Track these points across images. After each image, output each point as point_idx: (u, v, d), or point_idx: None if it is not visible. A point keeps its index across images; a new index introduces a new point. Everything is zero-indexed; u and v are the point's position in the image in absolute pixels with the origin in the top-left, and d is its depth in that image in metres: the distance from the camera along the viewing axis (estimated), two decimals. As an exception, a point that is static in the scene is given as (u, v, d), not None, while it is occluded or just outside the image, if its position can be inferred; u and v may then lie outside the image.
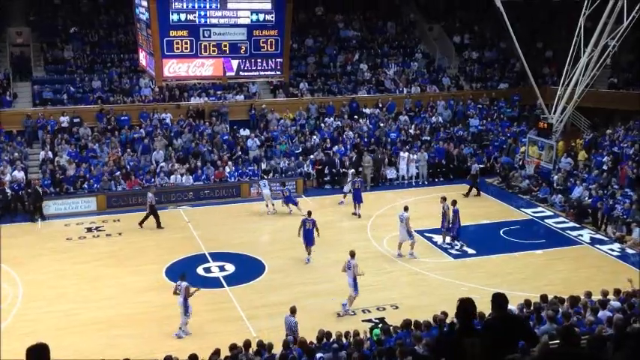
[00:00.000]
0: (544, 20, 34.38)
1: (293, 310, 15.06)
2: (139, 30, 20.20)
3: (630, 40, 27.37)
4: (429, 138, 31.11)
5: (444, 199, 22.11)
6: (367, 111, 32.36)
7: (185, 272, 17.26)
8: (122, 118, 29.29)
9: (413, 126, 31.83)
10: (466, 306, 5.89)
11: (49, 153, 26.96)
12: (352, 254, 17.60)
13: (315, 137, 30.33)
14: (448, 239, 22.09)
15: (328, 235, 22.00)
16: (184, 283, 16.28)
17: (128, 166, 27.18)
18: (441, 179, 29.81)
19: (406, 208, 21.22)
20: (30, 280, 19.42)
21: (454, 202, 21.94)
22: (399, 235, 21.07)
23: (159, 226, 23.74)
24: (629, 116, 31.34)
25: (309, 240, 20.77)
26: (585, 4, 25.02)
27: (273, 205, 25.42)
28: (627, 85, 32.55)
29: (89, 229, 23.76)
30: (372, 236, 23.05)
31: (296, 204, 25.07)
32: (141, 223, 23.77)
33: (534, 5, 27.87)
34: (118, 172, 26.57)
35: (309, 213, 21.32)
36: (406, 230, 20.82)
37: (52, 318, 17.09)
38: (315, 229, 20.75)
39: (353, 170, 27.07)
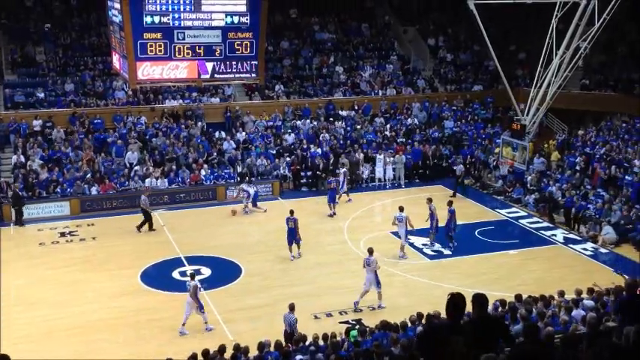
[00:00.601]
0: (517, 23, 34.73)
1: (292, 308, 15.22)
2: (112, 32, 20.03)
3: (602, 41, 27.75)
4: (404, 140, 31.24)
5: (430, 200, 22.23)
6: (343, 113, 32.44)
7: (193, 272, 17.51)
8: (96, 121, 28.99)
9: (389, 128, 31.96)
10: (457, 301, 5.70)
11: (22, 157, 26.61)
12: (370, 251, 17.97)
13: (290, 135, 30.33)
14: (430, 240, 22.24)
15: (305, 237, 21.97)
16: (193, 283, 16.44)
17: (102, 168, 26.91)
18: (417, 181, 29.95)
19: (401, 209, 21.30)
20: (3, 286, 19.11)
21: (450, 203, 22.43)
22: (401, 237, 21.14)
23: (139, 228, 23.50)
24: (600, 117, 31.81)
25: (291, 238, 21.03)
26: (557, 6, 25.32)
27: (247, 206, 25.65)
28: (599, 87, 33.03)
29: (62, 234, 23.48)
30: (348, 238, 23.08)
31: (255, 204, 25.64)
32: (150, 228, 23.56)
33: (507, 8, 28.10)
34: (90, 175, 26.29)
35: (292, 212, 21.40)
36: (405, 230, 20.93)
37: (28, 324, 16.85)
38: (296, 228, 20.90)
39: (345, 169, 27.47)
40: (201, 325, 16.63)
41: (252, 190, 25.75)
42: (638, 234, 22.40)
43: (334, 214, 25.29)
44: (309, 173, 28.87)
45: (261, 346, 12.73)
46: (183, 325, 16.40)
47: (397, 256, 21.04)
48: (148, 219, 23.58)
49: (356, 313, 17.41)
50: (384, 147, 30.08)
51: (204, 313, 16.55)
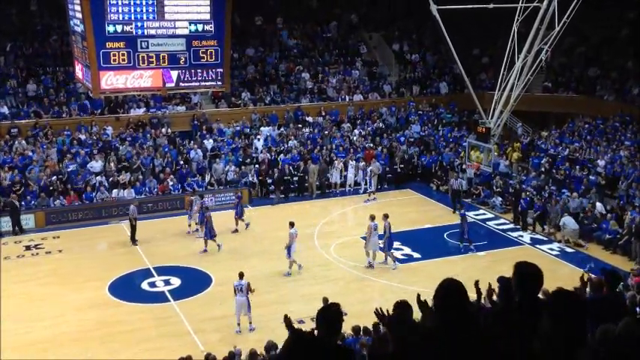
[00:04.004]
0: (480, 27, 35.13)
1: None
2: (75, 42, 19.74)
3: (564, 43, 28.22)
4: (372, 145, 31.32)
5: (386, 216, 21.29)
6: (310, 119, 32.47)
7: (242, 272, 17.41)
8: (59, 131, 28.53)
9: (357, 133, 32.04)
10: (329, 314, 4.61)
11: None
12: (372, 217, 20.71)
13: (257, 141, 30.24)
14: (384, 257, 21.36)
15: (274, 244, 21.91)
16: (244, 282, 16.84)
17: (67, 175, 26.43)
18: (386, 186, 29.98)
19: (373, 217, 21.15)
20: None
21: (461, 207, 23.51)
22: (370, 244, 20.93)
23: (133, 241, 23.16)
24: (563, 118, 32.36)
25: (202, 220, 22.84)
26: (518, 10, 25.67)
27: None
28: (560, 88, 33.61)
29: (28, 247, 23.05)
30: (318, 244, 23.07)
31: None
32: (132, 241, 23.14)
33: (470, 13, 28.38)
34: (55, 177, 25.87)
35: (207, 208, 23.01)
36: (375, 239, 20.84)
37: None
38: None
39: (371, 168, 28.17)
40: (167, 338, 16.53)
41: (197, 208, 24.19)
42: (603, 233, 22.81)
43: (237, 230, 24.34)
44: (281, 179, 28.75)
45: (231, 356, 12.64)
46: (238, 324, 16.97)
47: (370, 263, 21.07)
48: (131, 227, 23.27)
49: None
50: (352, 152, 30.12)
51: (250, 312, 16.95)
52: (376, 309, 5.11)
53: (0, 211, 24.42)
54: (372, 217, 20.91)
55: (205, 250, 22.23)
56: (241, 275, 17.09)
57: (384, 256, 21.22)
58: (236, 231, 24.25)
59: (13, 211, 24.19)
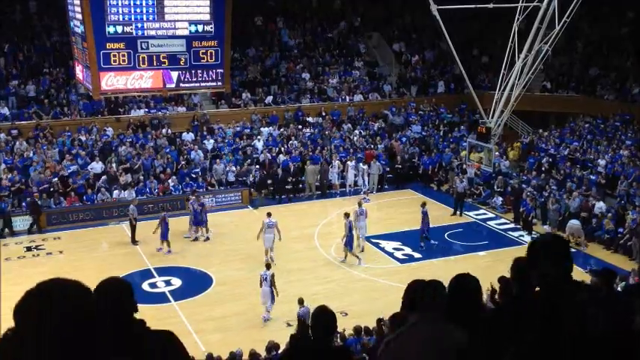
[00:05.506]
0: (479, 27, 35.16)
1: (301, 302, 15.57)
2: (75, 43, 19.79)
3: (562, 43, 28.22)
4: (372, 145, 31.29)
5: (347, 215, 21.34)
6: (310, 119, 32.45)
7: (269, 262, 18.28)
8: (60, 133, 28.54)
9: (357, 133, 32.01)
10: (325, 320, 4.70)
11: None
12: (360, 204, 22.11)
13: (258, 142, 30.24)
14: (344, 254, 21.52)
15: (275, 244, 21.88)
16: (270, 272, 17.25)
17: (66, 175, 26.43)
18: (386, 186, 29.95)
19: (360, 204, 22.35)
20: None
21: (423, 204, 22.92)
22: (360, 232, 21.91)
23: (134, 242, 23.19)
24: (563, 117, 32.37)
25: (198, 221, 23.37)
26: (518, 10, 25.65)
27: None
28: (560, 88, 33.60)
29: (28, 249, 23.05)
30: (319, 244, 23.06)
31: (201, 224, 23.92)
32: (133, 241, 23.20)
33: (469, 13, 28.42)
34: (56, 179, 25.86)
35: (196, 196, 23.52)
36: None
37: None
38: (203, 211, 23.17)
39: (366, 167, 28.58)
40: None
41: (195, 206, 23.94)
42: (604, 232, 22.80)
43: (196, 238, 23.94)
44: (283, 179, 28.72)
45: (232, 357, 12.64)
46: (268, 312, 17.40)
47: (368, 261, 21.10)
48: (131, 227, 23.32)
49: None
50: (352, 152, 30.10)
51: (273, 303, 17.32)
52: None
53: (9, 212, 24.49)
54: (360, 204, 22.37)
55: (160, 249, 22.36)
56: (268, 266, 17.69)
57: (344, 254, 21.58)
58: (195, 239, 23.76)
59: (33, 210, 24.26)
